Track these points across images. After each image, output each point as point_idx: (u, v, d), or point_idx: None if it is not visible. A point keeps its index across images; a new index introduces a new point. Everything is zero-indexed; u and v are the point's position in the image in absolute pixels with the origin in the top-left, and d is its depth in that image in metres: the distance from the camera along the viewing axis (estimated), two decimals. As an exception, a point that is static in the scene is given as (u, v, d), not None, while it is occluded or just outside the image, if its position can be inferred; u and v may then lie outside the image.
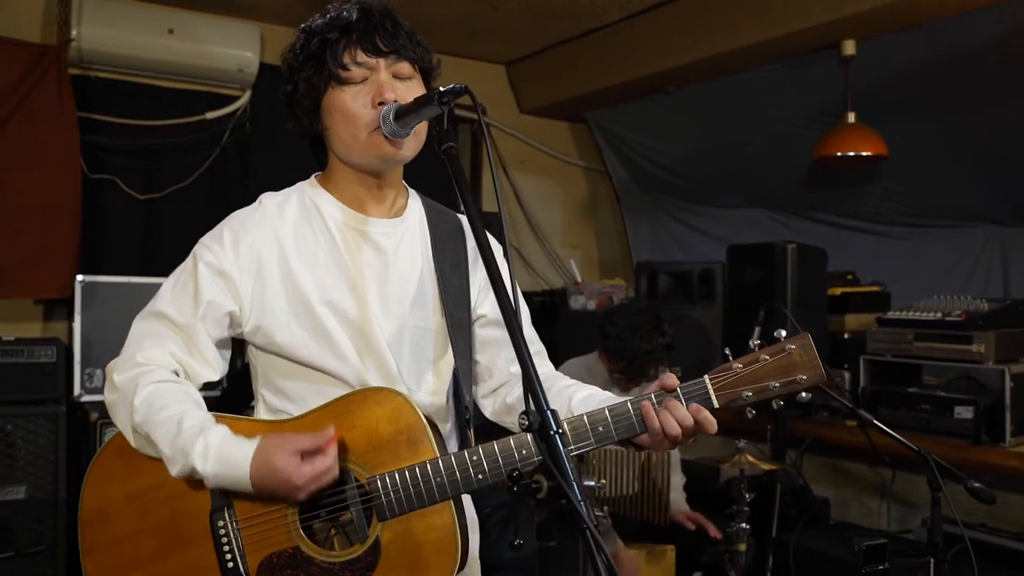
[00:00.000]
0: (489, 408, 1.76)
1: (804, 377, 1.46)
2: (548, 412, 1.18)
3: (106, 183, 4.24)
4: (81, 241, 4.01)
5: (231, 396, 1.65)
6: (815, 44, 3.96)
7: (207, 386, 1.62)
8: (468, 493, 1.52)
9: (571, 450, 1.45)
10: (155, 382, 1.51)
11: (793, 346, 1.47)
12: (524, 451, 1.45)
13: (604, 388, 3.35)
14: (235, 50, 4.37)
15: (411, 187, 1.76)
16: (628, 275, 5.53)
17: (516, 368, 1.71)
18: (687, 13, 4.28)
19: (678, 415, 1.44)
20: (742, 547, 3.12)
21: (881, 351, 3.94)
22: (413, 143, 1.57)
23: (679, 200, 5.53)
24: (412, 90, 1.56)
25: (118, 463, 1.56)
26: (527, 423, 1.17)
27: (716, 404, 1.47)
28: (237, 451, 1.44)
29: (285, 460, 1.40)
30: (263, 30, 4.48)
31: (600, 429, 1.46)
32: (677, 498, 3.55)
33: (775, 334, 1.49)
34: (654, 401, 1.46)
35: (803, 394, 1.48)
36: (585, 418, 1.47)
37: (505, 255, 1.37)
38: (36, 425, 3.57)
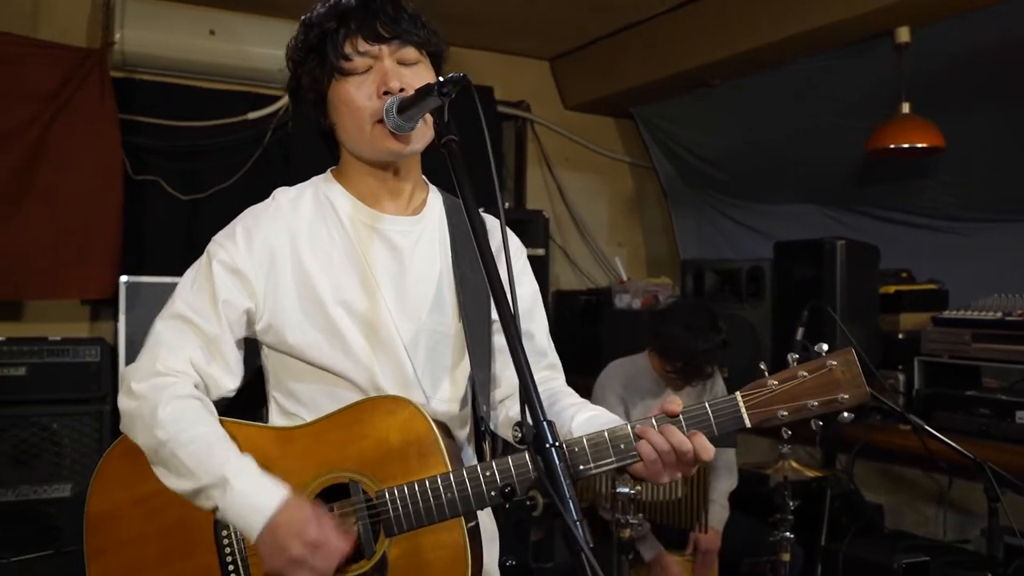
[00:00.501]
0: (495, 420, 1.68)
1: (846, 396, 1.36)
2: (544, 424, 1.11)
3: (149, 184, 4.28)
4: (124, 242, 4.05)
5: (242, 400, 1.60)
6: (866, 32, 3.82)
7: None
8: (481, 510, 1.45)
9: (589, 469, 1.37)
10: (179, 397, 1.47)
11: (835, 362, 1.37)
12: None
13: (654, 387, 3.34)
14: (276, 50, 4.27)
15: (432, 179, 1.69)
16: (675, 273, 5.41)
17: None
18: (732, 3, 4.17)
19: (675, 440, 1.35)
20: (785, 557, 3.00)
21: (937, 352, 3.77)
22: (423, 134, 1.50)
23: (727, 196, 5.39)
24: (420, 75, 1.49)
25: (125, 465, 1.53)
26: (520, 435, 1.11)
27: (748, 423, 1.37)
28: (264, 496, 1.40)
29: (315, 529, 1.36)
30: (304, 30, 4.48)
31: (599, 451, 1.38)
32: (715, 511, 3.41)
33: (815, 348, 1.40)
34: (655, 426, 1.37)
35: (844, 414, 1.37)
36: (585, 440, 1.38)
37: (507, 258, 1.30)
38: (81, 424, 3.64)
